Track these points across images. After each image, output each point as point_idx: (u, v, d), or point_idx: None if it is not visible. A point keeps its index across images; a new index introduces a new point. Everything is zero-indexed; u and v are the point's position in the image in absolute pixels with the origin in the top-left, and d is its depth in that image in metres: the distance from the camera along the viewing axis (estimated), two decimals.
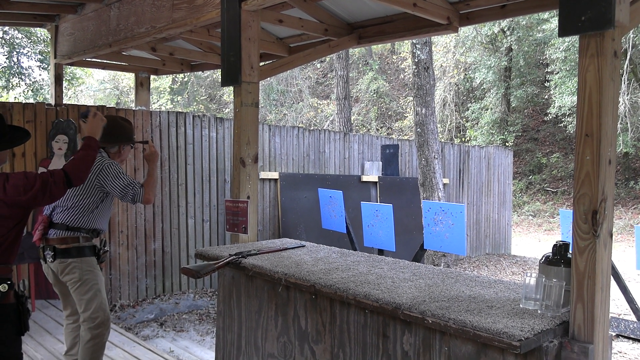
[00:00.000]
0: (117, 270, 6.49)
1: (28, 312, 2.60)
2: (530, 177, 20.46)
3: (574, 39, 15.56)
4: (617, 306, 7.23)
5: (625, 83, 16.30)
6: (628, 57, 15.79)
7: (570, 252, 2.01)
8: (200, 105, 23.68)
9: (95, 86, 23.55)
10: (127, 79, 22.05)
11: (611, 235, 1.97)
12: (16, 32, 15.03)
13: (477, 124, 21.79)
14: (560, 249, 2.07)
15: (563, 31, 1.98)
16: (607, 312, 1.98)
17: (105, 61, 7.02)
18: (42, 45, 15.30)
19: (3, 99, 15.92)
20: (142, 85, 7.57)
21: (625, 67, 15.91)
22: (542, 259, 2.12)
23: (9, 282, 2.49)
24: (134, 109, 6.97)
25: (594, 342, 1.87)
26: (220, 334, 3.21)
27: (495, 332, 1.79)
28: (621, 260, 11.02)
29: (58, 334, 4.92)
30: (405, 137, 19.27)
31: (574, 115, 17.66)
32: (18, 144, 2.78)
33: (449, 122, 22.16)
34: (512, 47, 20.72)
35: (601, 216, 1.89)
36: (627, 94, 16.53)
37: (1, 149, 2.64)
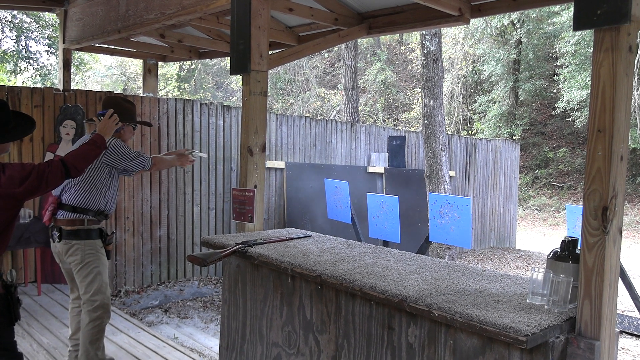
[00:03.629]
0: (122, 257, 6.53)
1: (18, 301, 2.58)
2: (536, 171, 20.37)
3: (585, 32, 15.42)
4: (621, 303, 7.21)
5: (636, 78, 16.15)
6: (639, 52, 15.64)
7: (579, 248, 2.00)
8: (207, 93, 23.64)
9: (103, 72, 23.53)
10: (135, 65, 22.01)
11: (621, 232, 1.95)
12: (24, 16, 15.02)
13: (485, 116, 21.68)
14: (568, 245, 2.05)
15: (578, 25, 1.95)
16: (615, 309, 1.97)
17: (113, 47, 7.00)
18: (51, 30, 15.29)
19: (11, 83, 15.95)
20: (150, 72, 7.56)
21: (636, 62, 15.76)
22: (550, 254, 2.11)
23: None
24: (141, 95, 6.97)
25: (600, 338, 1.87)
26: (225, 321, 3.22)
27: (502, 326, 1.78)
28: (627, 256, 10.99)
29: (64, 318, 4.96)
30: (412, 129, 19.21)
31: (583, 109, 17.55)
32: (20, 137, 2.74)
33: (456, 115, 22.06)
34: (522, 40, 20.55)
35: (611, 213, 1.87)
36: (638, 90, 16.39)
37: (3, 141, 2.59)
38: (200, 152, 4.80)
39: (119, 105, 3.59)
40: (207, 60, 20.82)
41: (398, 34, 22.72)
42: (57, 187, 3.43)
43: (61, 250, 3.45)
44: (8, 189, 2.47)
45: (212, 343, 5.18)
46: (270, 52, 3.87)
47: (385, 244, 6.02)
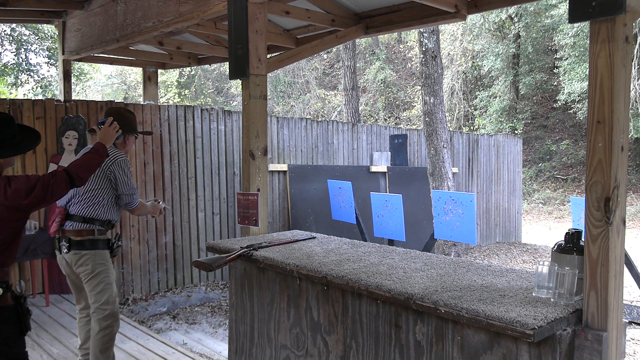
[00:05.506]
0: (129, 264, 6.54)
1: (28, 312, 2.61)
2: (540, 164, 20.33)
3: (583, 24, 15.37)
4: (629, 293, 7.19)
5: (636, 68, 16.10)
6: (638, 42, 15.60)
7: (583, 239, 2.00)
8: (208, 99, 23.69)
9: (103, 81, 23.60)
10: (135, 74, 22.08)
11: (624, 222, 1.95)
12: (23, 28, 15.07)
13: (486, 112, 21.65)
14: (572, 237, 2.06)
15: (573, 17, 1.96)
16: (621, 300, 1.97)
17: (112, 56, 7.04)
18: (50, 41, 15.34)
19: (12, 96, 16.02)
20: (149, 80, 7.58)
21: (635, 52, 15.72)
22: (554, 247, 2.12)
23: (4, 285, 2.51)
24: (142, 103, 6.99)
25: (607, 329, 1.87)
26: (232, 326, 3.23)
27: (508, 320, 1.78)
28: (633, 247, 10.95)
29: (73, 328, 4.98)
30: (414, 127, 19.19)
31: (584, 101, 17.51)
32: (26, 151, 2.77)
33: (457, 111, 22.03)
34: (520, 34, 20.52)
35: (614, 203, 1.87)
36: (638, 80, 16.34)
37: (9, 155, 2.63)
38: (203, 159, 5.01)
39: (122, 116, 3.61)
40: (206, 66, 20.87)
41: (396, 33, 22.71)
42: (64, 198, 3.46)
43: (70, 261, 3.47)
44: (14, 201, 2.51)
45: (221, 348, 5.19)
46: (268, 56, 3.88)
47: (391, 242, 6.03)
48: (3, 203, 2.49)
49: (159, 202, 4.02)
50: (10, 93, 16.27)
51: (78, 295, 3.69)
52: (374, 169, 9.07)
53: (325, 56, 24.92)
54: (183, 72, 22.60)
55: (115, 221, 3.62)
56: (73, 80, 13.47)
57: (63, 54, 6.44)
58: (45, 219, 6.02)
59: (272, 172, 7.83)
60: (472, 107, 22.47)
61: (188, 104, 8.40)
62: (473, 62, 22.15)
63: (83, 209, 3.44)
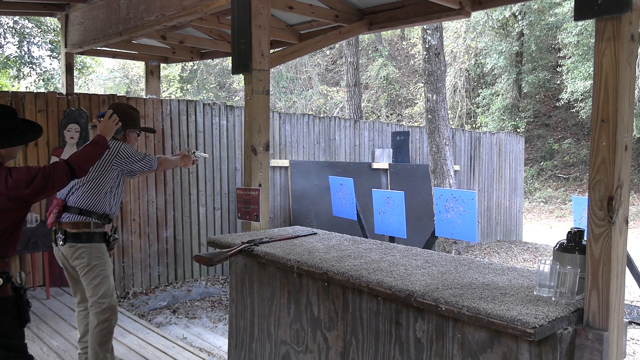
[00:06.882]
0: (129, 258, 6.55)
1: (28, 303, 2.64)
2: (541, 163, 20.29)
3: (587, 23, 15.33)
4: (630, 293, 7.19)
5: (639, 67, 16.05)
6: None
7: (585, 239, 1.99)
8: (210, 94, 23.65)
9: (105, 75, 23.57)
10: (137, 68, 22.05)
11: (627, 222, 1.95)
12: (26, 21, 15.05)
13: (488, 110, 21.60)
14: (574, 236, 2.05)
15: (579, 15, 1.94)
16: (622, 299, 1.96)
17: (115, 50, 7.02)
18: (53, 34, 15.32)
19: (15, 89, 16.01)
20: (152, 74, 7.57)
21: None
22: (556, 245, 2.11)
23: (5, 276, 2.54)
24: (144, 97, 6.98)
25: (608, 329, 1.86)
26: (232, 321, 3.23)
27: (509, 319, 1.78)
28: (634, 247, 10.94)
29: (73, 320, 4.98)
30: (416, 124, 19.15)
31: (587, 100, 17.45)
32: (28, 141, 2.83)
33: (459, 109, 21.99)
34: (524, 32, 20.45)
35: (617, 203, 1.87)
36: None
37: (11, 145, 2.68)
38: (203, 152, 4.98)
39: (124, 112, 3.62)
40: (209, 61, 20.82)
41: (399, 29, 22.64)
42: (63, 190, 3.47)
43: (66, 254, 3.47)
44: (15, 191, 2.56)
45: (220, 342, 5.20)
46: (271, 51, 3.87)
47: (392, 239, 6.02)
48: (4, 193, 2.54)
49: (193, 153, 4.02)
50: (13, 86, 16.26)
51: (75, 288, 3.70)
52: (375, 165, 9.06)
53: (328, 52, 24.87)
54: (185, 67, 22.56)
55: (112, 215, 3.61)
56: (75, 73, 13.43)
57: (65, 47, 6.43)
58: (46, 211, 6.03)
59: (274, 167, 7.83)
60: (475, 105, 22.42)
61: (190, 99, 8.39)
62: (476, 60, 22.09)
63: (80, 200, 3.44)
